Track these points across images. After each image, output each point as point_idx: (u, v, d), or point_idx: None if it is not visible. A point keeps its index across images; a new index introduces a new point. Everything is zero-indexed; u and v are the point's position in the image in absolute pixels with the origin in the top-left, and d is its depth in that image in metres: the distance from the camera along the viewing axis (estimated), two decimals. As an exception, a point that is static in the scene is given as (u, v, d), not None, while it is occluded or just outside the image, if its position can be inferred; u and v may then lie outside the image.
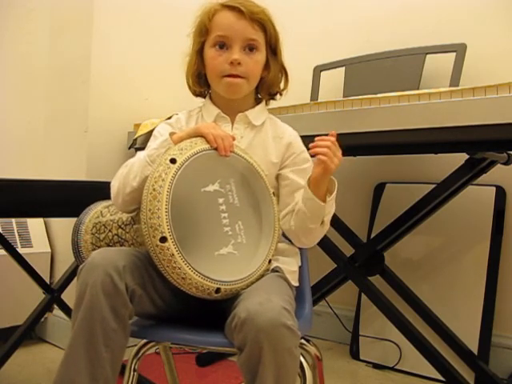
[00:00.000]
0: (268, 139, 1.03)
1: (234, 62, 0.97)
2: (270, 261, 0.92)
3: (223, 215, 0.88)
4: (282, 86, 1.08)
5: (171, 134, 0.94)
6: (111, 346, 0.80)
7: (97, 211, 1.11)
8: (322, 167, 0.90)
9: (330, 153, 0.89)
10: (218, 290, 0.84)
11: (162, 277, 0.85)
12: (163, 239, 0.80)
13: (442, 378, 1.55)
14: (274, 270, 0.95)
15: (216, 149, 0.90)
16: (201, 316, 0.95)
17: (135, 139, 1.84)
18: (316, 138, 0.91)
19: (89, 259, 0.84)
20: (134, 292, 0.84)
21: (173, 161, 0.85)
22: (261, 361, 0.74)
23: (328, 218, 0.96)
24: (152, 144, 0.99)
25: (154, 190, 0.82)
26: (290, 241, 1.03)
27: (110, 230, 1.06)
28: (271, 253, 0.92)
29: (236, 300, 0.84)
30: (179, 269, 0.81)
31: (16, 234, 1.90)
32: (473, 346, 1.64)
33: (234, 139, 0.94)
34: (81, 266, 0.84)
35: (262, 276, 0.90)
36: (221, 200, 0.89)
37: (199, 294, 0.84)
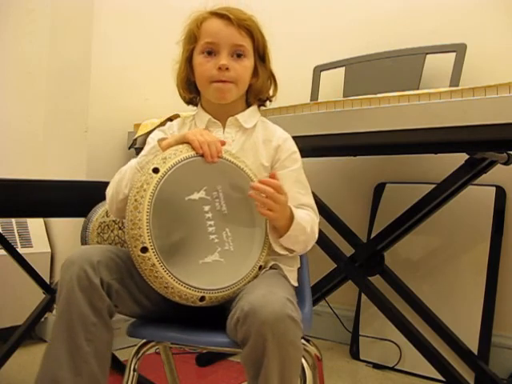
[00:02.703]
0: (258, 142, 1.03)
1: (222, 68, 0.97)
2: (260, 267, 0.91)
3: (209, 223, 0.88)
4: (271, 92, 1.09)
5: (160, 141, 0.95)
6: (93, 340, 0.81)
7: (104, 209, 1.14)
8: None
9: (270, 201, 0.88)
10: (202, 299, 0.84)
11: None
12: (144, 249, 0.81)
13: (442, 378, 1.55)
14: (273, 268, 0.95)
15: (202, 155, 0.90)
16: (197, 317, 0.95)
17: (135, 139, 1.84)
18: (258, 182, 0.89)
19: (68, 257, 0.86)
20: (110, 286, 0.85)
21: (155, 170, 0.85)
22: (265, 353, 0.74)
23: (299, 240, 0.94)
24: (143, 151, 1.00)
25: (135, 200, 0.83)
26: None
27: (112, 231, 1.08)
28: (262, 259, 0.92)
29: (236, 297, 0.84)
30: (161, 278, 0.82)
31: (16, 234, 1.90)
32: (473, 346, 1.64)
33: (223, 144, 0.93)
34: (62, 264, 0.86)
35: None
36: (206, 208, 0.88)
37: (184, 302, 0.85)
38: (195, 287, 0.84)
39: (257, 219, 0.92)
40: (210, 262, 0.86)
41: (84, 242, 1.12)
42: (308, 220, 0.95)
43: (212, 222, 0.88)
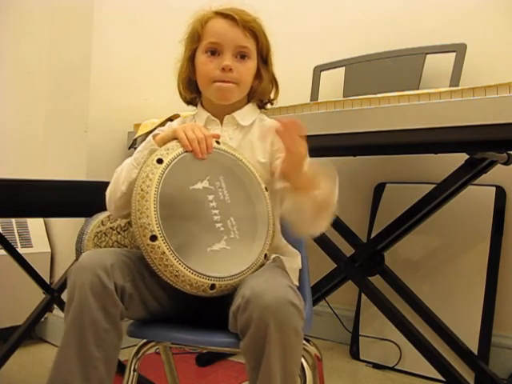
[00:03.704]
0: (254, 140, 1.03)
1: (226, 68, 0.97)
2: (265, 255, 0.92)
3: (214, 212, 0.88)
4: (272, 95, 1.09)
5: (154, 136, 0.95)
6: (103, 346, 0.81)
7: (98, 221, 1.14)
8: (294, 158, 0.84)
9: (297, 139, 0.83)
10: (212, 287, 0.84)
11: (156, 278, 0.85)
12: (153, 238, 0.81)
13: (442, 378, 1.55)
14: (274, 261, 0.95)
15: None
16: (198, 317, 0.95)
17: (135, 139, 1.84)
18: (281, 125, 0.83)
19: (78, 261, 0.85)
20: (123, 289, 0.84)
21: (159, 161, 0.86)
22: (267, 340, 0.74)
23: (325, 194, 0.87)
24: (139, 147, 1.01)
25: (141, 190, 0.84)
26: (290, 243, 1.04)
27: (110, 238, 1.08)
28: (266, 247, 0.92)
29: (238, 288, 0.84)
30: (171, 266, 0.82)
31: (16, 234, 1.90)
32: (473, 346, 1.64)
33: (218, 137, 0.94)
34: (71, 268, 0.85)
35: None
36: (211, 197, 0.89)
37: (194, 292, 0.84)
38: (206, 275, 0.83)
39: (258, 209, 0.93)
40: (217, 249, 0.86)
41: (79, 254, 1.11)
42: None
43: (217, 211, 0.89)
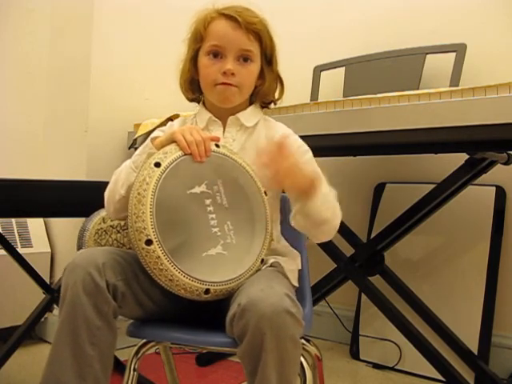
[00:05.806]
0: (261, 140, 1.02)
1: (228, 72, 0.96)
2: (262, 260, 0.91)
3: (211, 216, 0.88)
4: (277, 95, 1.08)
5: (153, 139, 0.95)
6: (97, 344, 0.81)
7: (100, 218, 1.14)
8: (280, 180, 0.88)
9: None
10: (207, 291, 0.84)
11: (151, 279, 0.85)
12: (148, 242, 0.81)
13: (442, 378, 1.55)
14: (272, 266, 0.95)
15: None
16: (197, 317, 0.95)
17: (135, 139, 1.84)
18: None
19: (71, 260, 0.85)
20: (116, 288, 0.84)
21: (157, 164, 0.86)
22: (263, 348, 0.74)
23: (330, 206, 0.93)
24: (138, 150, 1.00)
25: (138, 194, 0.83)
26: (290, 244, 1.03)
27: (110, 236, 1.08)
28: (263, 252, 0.91)
29: (235, 293, 0.84)
30: (166, 271, 0.81)
31: (16, 234, 1.90)
32: (473, 346, 1.64)
33: (217, 140, 0.93)
34: (65, 267, 0.85)
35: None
36: (208, 201, 0.88)
37: (188, 296, 0.84)
38: (200, 280, 0.83)
39: (256, 213, 0.92)
40: (213, 254, 0.86)
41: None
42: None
43: (214, 216, 0.88)
